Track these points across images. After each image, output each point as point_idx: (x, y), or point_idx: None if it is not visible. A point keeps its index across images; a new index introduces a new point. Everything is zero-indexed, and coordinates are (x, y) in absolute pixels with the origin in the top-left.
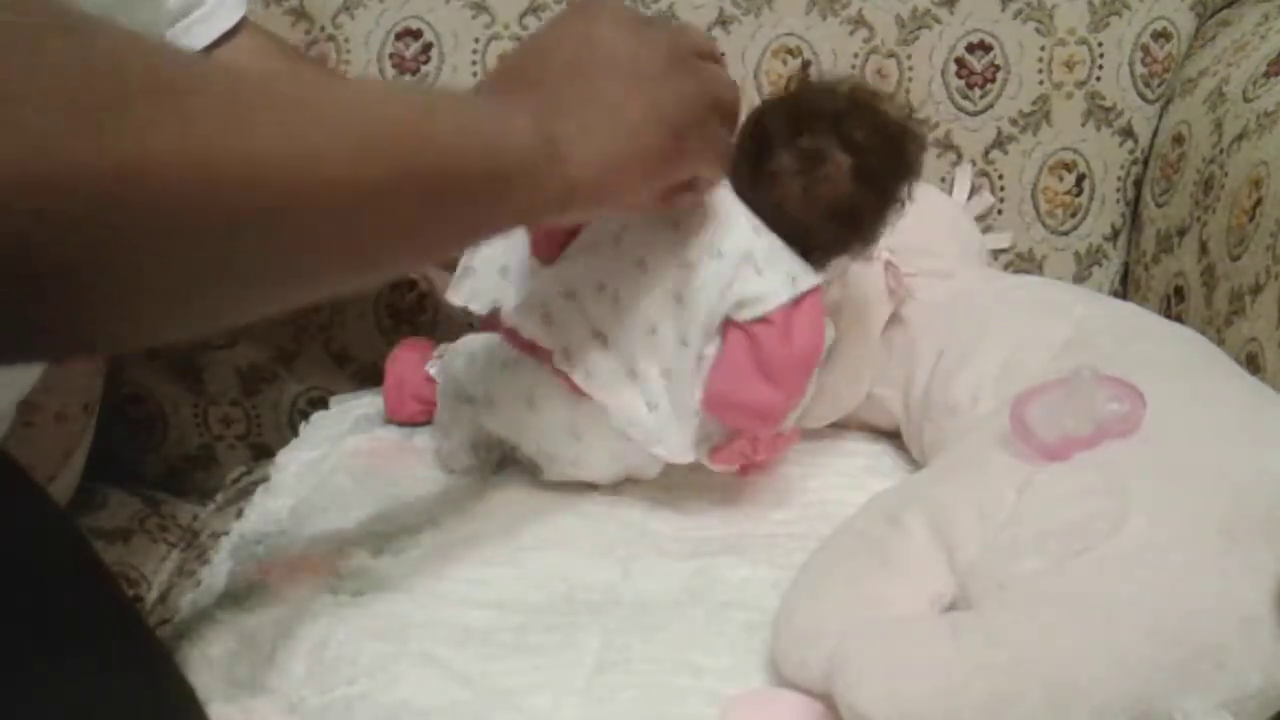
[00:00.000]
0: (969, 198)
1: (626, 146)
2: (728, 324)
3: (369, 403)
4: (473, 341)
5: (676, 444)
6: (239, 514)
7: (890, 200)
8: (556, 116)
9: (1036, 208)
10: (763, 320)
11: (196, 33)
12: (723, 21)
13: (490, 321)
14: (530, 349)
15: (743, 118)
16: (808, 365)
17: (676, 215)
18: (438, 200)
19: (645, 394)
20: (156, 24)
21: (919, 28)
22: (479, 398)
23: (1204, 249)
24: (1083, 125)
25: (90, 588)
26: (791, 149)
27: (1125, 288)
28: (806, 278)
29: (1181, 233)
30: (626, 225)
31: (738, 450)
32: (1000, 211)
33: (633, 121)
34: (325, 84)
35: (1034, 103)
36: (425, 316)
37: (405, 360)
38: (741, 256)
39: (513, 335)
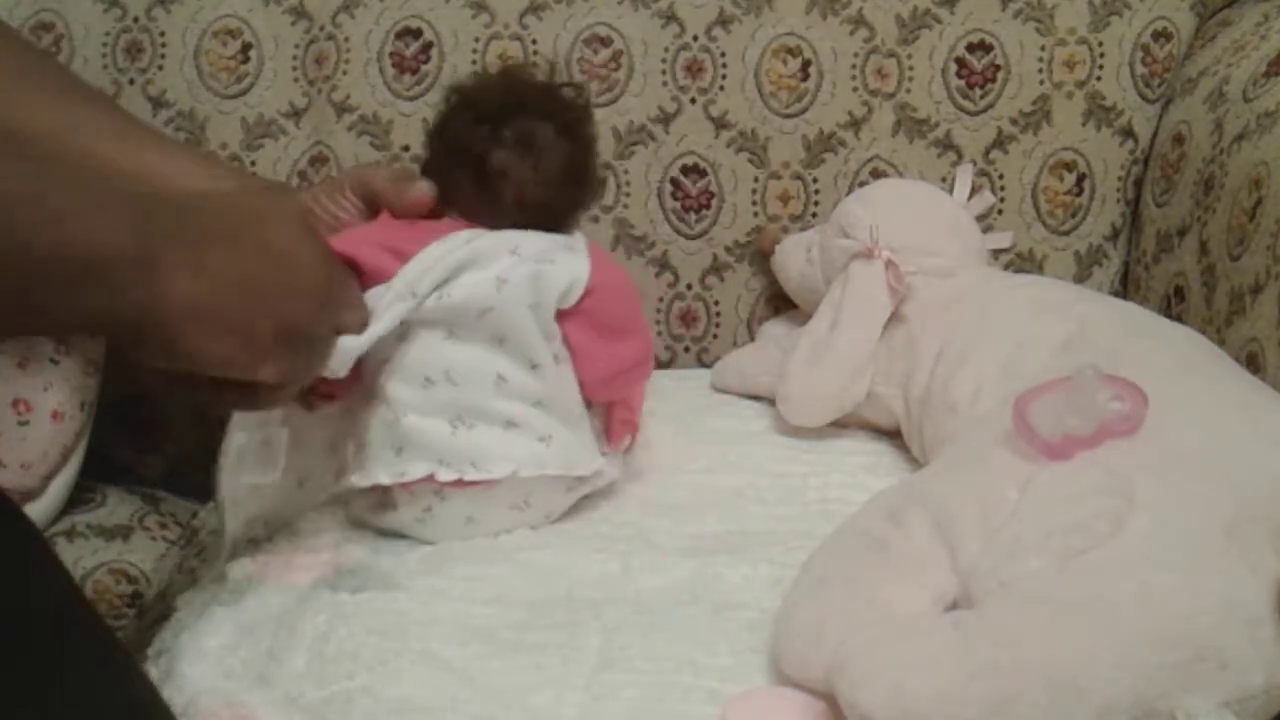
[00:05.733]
0: (969, 197)
1: (225, 309)
2: (560, 315)
3: None
4: (377, 519)
5: (587, 455)
6: None
7: (593, 145)
8: (181, 248)
9: (1037, 208)
10: (587, 293)
11: None
12: (723, 21)
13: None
14: (421, 488)
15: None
16: (636, 299)
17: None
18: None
19: (535, 433)
20: None
21: (919, 28)
22: (430, 542)
23: (1204, 249)
24: (1083, 125)
25: (63, 605)
26: (503, 145)
27: (1125, 288)
28: (575, 238)
29: (1181, 233)
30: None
31: (620, 420)
32: (1000, 211)
33: (246, 302)
34: None
35: (1034, 103)
36: None
37: None
38: (530, 266)
39: (392, 486)
